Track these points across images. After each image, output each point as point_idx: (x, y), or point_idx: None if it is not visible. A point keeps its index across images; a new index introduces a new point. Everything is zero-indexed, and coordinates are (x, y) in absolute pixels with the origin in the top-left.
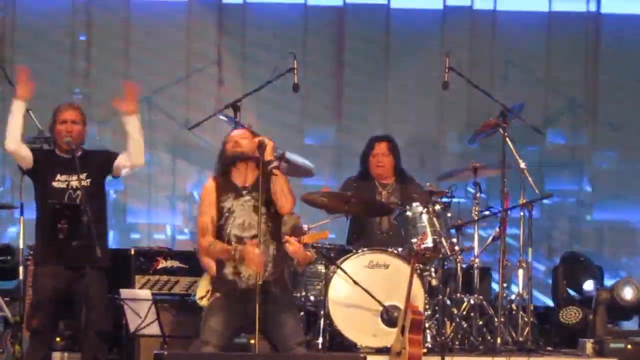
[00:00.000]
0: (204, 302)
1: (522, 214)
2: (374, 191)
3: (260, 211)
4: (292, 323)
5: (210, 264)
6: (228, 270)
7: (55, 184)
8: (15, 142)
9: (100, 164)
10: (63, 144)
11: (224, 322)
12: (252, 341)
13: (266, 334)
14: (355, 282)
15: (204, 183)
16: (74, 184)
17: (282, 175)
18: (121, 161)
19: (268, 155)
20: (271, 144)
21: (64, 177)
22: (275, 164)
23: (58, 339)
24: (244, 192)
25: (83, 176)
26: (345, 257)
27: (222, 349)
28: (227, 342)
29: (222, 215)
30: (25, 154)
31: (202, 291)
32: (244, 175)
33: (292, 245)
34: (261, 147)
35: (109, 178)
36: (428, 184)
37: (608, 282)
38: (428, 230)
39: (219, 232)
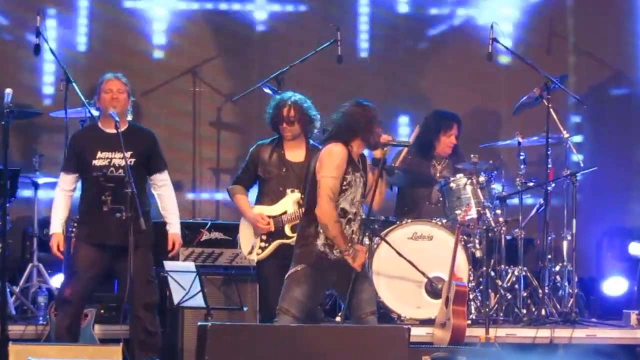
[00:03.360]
0: (252, 257)
1: (566, 185)
2: (428, 164)
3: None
4: (369, 291)
5: (243, 207)
6: (321, 242)
7: (95, 162)
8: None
9: (148, 154)
10: (108, 110)
11: (308, 294)
12: None
13: (343, 298)
14: (399, 254)
15: (330, 148)
16: (117, 161)
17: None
18: (156, 181)
19: (381, 154)
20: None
21: (105, 154)
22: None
23: (102, 311)
24: (359, 169)
25: (128, 154)
26: (389, 228)
27: (300, 321)
28: (306, 315)
29: (341, 187)
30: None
31: (248, 246)
32: (356, 150)
33: None
34: (386, 145)
35: None
36: (472, 155)
37: None
38: (472, 201)
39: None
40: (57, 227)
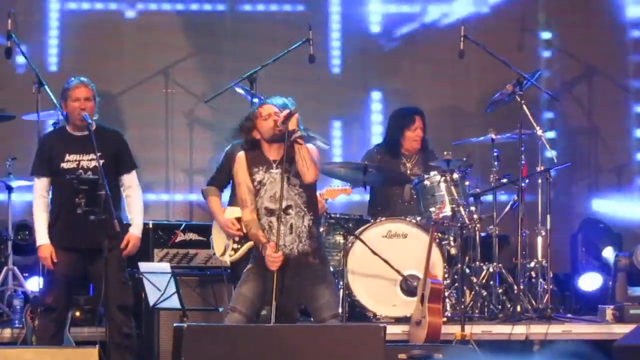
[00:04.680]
0: (225, 258)
1: (540, 181)
2: (398, 162)
3: (283, 182)
4: (328, 295)
5: (215, 210)
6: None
7: (64, 164)
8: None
9: (116, 154)
10: (78, 120)
11: (255, 291)
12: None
13: (298, 306)
14: (374, 252)
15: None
16: (85, 163)
17: (305, 145)
18: (126, 183)
19: (292, 125)
20: (296, 115)
21: (73, 157)
22: (298, 133)
23: (78, 313)
24: (275, 164)
25: (98, 155)
26: (364, 227)
27: (247, 317)
28: (255, 312)
29: (254, 188)
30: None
31: (221, 247)
32: (275, 149)
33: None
34: (288, 117)
35: None
36: (445, 152)
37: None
38: (446, 199)
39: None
40: (45, 237)
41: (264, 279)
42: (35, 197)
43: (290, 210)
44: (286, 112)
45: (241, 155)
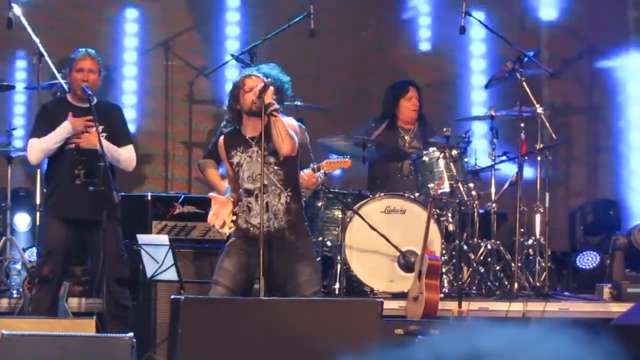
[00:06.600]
0: (225, 230)
1: (539, 158)
2: (396, 136)
3: (263, 160)
4: (307, 272)
5: (214, 180)
6: (241, 220)
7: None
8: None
9: (115, 128)
10: (78, 91)
11: (237, 264)
12: (256, 286)
13: (281, 283)
14: (372, 228)
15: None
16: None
17: (280, 118)
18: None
19: (267, 99)
20: (271, 88)
21: None
22: (274, 107)
23: (75, 285)
24: (253, 142)
25: (100, 129)
26: (362, 202)
27: (231, 291)
28: (238, 285)
29: (234, 172)
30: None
31: (220, 219)
32: (253, 124)
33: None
34: (263, 91)
35: None
36: (445, 129)
37: None
38: (445, 175)
39: (236, 188)
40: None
41: (247, 254)
42: (35, 152)
43: (266, 189)
44: (261, 85)
45: (221, 140)
